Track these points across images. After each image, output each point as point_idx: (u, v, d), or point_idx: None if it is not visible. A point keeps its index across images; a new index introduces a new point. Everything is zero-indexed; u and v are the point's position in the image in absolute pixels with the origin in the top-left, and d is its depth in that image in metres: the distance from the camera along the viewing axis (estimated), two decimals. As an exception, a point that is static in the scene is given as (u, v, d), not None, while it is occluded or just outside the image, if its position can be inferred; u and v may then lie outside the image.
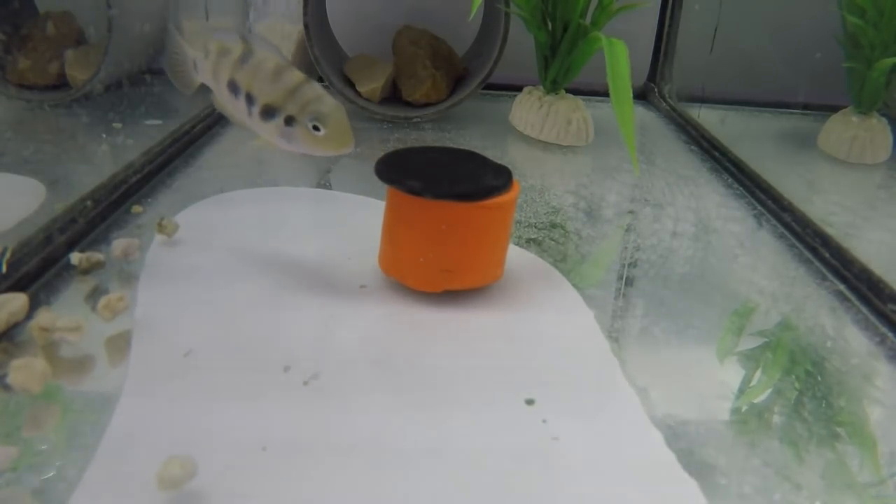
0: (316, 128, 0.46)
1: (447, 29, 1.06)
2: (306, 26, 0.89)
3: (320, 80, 1.02)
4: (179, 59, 0.55)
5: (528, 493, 0.35)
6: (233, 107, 0.51)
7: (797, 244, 0.66)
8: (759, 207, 0.75)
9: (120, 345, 0.44)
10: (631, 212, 0.71)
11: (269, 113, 0.48)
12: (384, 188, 0.51)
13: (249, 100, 0.48)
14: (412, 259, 0.49)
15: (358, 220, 0.63)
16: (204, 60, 0.52)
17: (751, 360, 0.48)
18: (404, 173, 0.49)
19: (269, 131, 0.49)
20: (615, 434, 0.39)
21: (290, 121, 0.47)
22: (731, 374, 0.46)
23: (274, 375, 0.42)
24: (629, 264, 0.60)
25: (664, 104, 1.13)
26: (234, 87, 0.49)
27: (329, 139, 0.47)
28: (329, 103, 0.47)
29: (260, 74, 0.48)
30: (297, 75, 0.48)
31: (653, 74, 1.18)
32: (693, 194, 0.77)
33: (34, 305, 0.46)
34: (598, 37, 0.81)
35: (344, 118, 0.47)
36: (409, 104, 0.97)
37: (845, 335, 0.52)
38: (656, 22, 1.17)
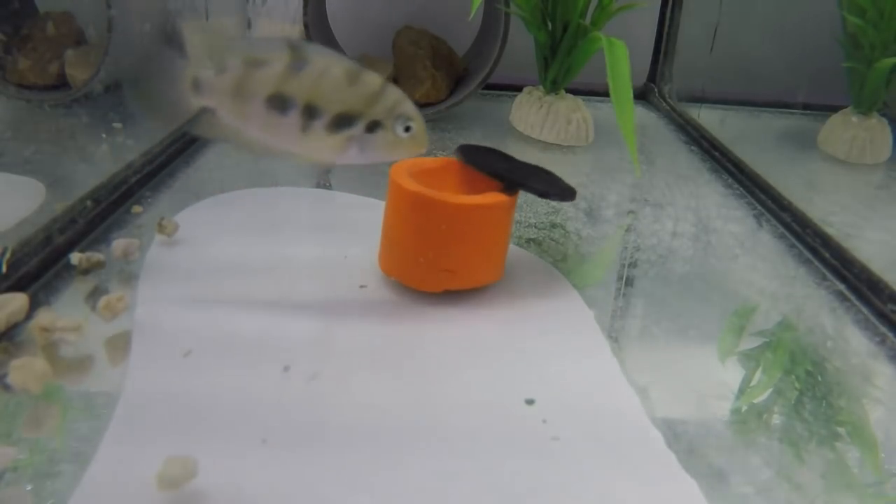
0: (407, 129, 0.45)
1: (447, 29, 1.06)
2: (306, 26, 0.89)
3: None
4: (169, 77, 0.45)
5: (528, 493, 0.35)
6: (268, 128, 0.45)
7: (797, 244, 0.66)
8: (759, 207, 0.75)
9: (120, 345, 0.44)
10: (631, 212, 0.71)
11: (342, 123, 0.44)
12: (384, 188, 0.51)
13: (310, 112, 0.44)
14: (412, 259, 0.49)
15: (358, 220, 0.63)
16: (216, 77, 0.44)
17: (751, 360, 0.48)
18: (486, 162, 0.51)
19: (334, 144, 0.45)
20: (615, 434, 0.39)
21: (373, 127, 0.45)
22: (731, 374, 0.46)
23: (274, 375, 0.42)
24: (629, 264, 0.60)
25: (664, 104, 1.13)
26: (280, 102, 0.44)
27: (414, 140, 0.46)
28: (411, 103, 0.46)
29: (328, 82, 0.44)
30: (374, 78, 0.45)
31: (653, 74, 1.18)
32: (693, 194, 0.77)
33: (34, 305, 0.46)
34: (598, 37, 0.81)
35: (422, 118, 0.47)
36: (409, 104, 0.97)
37: (845, 335, 0.52)
38: (656, 22, 1.17)
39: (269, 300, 0.50)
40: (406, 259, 0.50)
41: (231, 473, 0.34)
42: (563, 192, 0.53)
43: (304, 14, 0.88)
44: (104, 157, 0.75)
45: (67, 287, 0.50)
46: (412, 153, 0.47)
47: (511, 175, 0.51)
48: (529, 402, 0.41)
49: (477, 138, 0.90)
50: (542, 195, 0.52)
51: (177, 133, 0.78)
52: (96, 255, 0.52)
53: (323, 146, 0.45)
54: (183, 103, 0.45)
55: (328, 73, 0.44)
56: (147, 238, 0.57)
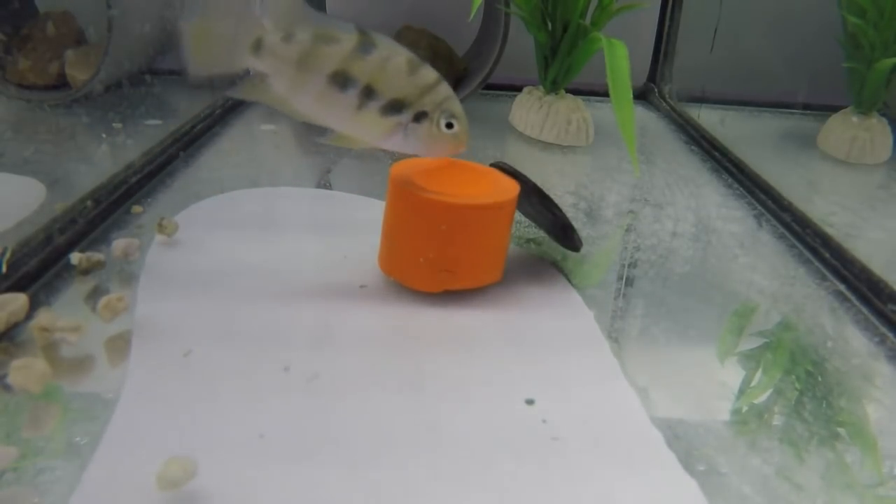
0: (449, 125, 0.47)
1: (447, 29, 1.06)
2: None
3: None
4: (234, 27, 0.46)
5: (528, 493, 0.35)
6: (323, 101, 0.47)
7: (797, 244, 0.66)
8: (759, 207, 0.75)
9: (120, 345, 0.44)
10: (631, 212, 0.71)
11: (394, 108, 0.47)
12: (384, 188, 0.51)
13: (368, 93, 0.46)
14: (412, 259, 0.49)
15: (358, 220, 0.63)
16: (282, 43, 0.46)
17: (751, 360, 0.48)
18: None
19: (383, 127, 0.47)
20: (615, 434, 0.39)
21: (419, 117, 0.47)
22: (731, 374, 0.46)
23: (274, 375, 0.42)
24: (629, 264, 0.60)
25: (664, 104, 1.13)
26: (342, 79, 0.46)
27: (455, 137, 0.48)
28: (460, 104, 0.48)
29: (390, 68, 0.46)
30: (432, 73, 0.47)
31: (653, 74, 1.18)
32: (693, 194, 0.78)
33: (34, 305, 0.46)
34: (597, 37, 0.81)
35: (466, 120, 0.49)
36: (409, 104, 0.97)
37: (845, 335, 0.52)
38: (656, 22, 1.17)
39: (270, 300, 0.50)
40: (406, 259, 0.50)
41: (231, 474, 0.34)
42: (575, 242, 0.57)
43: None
44: (104, 157, 0.75)
45: (67, 287, 0.50)
46: (451, 150, 0.49)
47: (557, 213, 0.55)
48: (529, 402, 0.41)
49: (477, 138, 0.90)
50: (565, 240, 0.57)
51: (177, 133, 0.78)
52: (96, 255, 0.52)
53: (372, 127, 0.47)
54: (235, 60, 0.47)
55: (392, 60, 0.46)
56: (147, 238, 0.56)
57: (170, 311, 0.47)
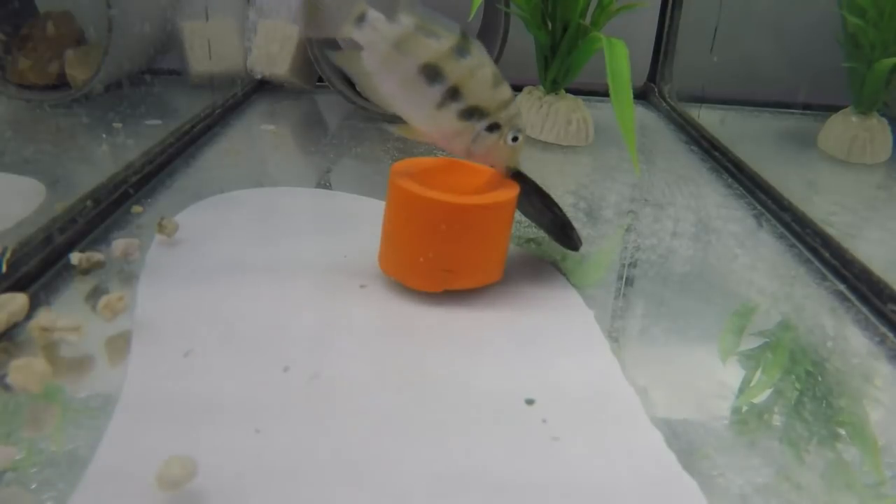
0: (514, 139, 0.50)
1: (447, 29, 1.05)
2: (306, 26, 0.89)
3: (320, 80, 1.02)
4: (338, 2, 0.49)
5: (528, 493, 0.35)
6: (407, 89, 0.49)
7: (797, 244, 0.66)
8: (759, 207, 0.75)
9: (120, 345, 0.44)
10: (631, 212, 0.71)
11: (471, 114, 0.49)
12: (384, 188, 0.51)
13: (452, 94, 0.48)
14: (412, 259, 0.49)
15: (358, 220, 0.63)
16: (386, 23, 0.48)
17: (751, 360, 0.48)
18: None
19: (456, 128, 0.49)
20: (615, 434, 0.39)
21: (492, 128, 0.49)
22: (731, 374, 0.46)
23: (274, 375, 0.42)
24: (629, 264, 0.60)
25: (664, 104, 1.13)
26: (432, 73, 0.48)
27: (513, 151, 0.51)
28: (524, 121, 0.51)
29: (479, 77, 0.48)
30: (509, 89, 0.50)
31: (653, 74, 1.18)
32: (693, 194, 0.78)
33: (34, 305, 0.46)
34: (597, 37, 0.81)
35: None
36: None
37: (845, 335, 0.52)
38: (656, 22, 1.17)
39: (269, 300, 0.50)
40: (406, 259, 0.50)
41: (231, 473, 0.34)
42: (574, 242, 0.57)
43: (304, 21, 0.88)
44: (104, 157, 0.75)
45: (67, 287, 0.50)
46: (508, 161, 0.51)
47: (558, 212, 0.55)
48: (529, 402, 0.41)
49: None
50: (564, 239, 0.57)
51: (177, 133, 0.78)
52: (96, 255, 0.52)
53: (445, 125, 0.50)
54: (339, 28, 0.49)
55: (482, 69, 0.49)
56: (147, 238, 0.57)
57: (170, 310, 0.47)
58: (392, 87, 0.49)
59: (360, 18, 0.49)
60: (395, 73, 0.49)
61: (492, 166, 0.52)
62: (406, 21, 0.48)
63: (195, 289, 0.50)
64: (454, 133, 0.50)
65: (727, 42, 1.08)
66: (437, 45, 0.48)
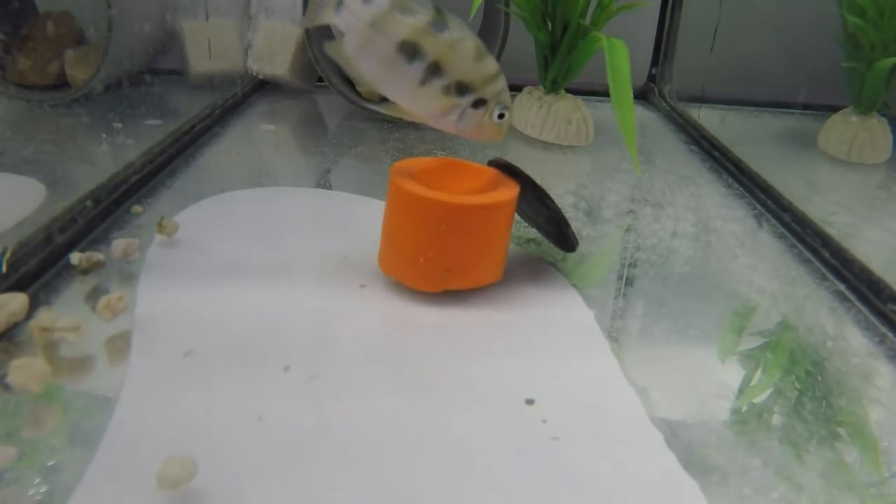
0: (501, 116, 0.50)
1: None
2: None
3: (320, 80, 1.02)
4: None
5: (528, 493, 0.35)
6: (388, 69, 0.49)
7: (797, 244, 0.66)
8: (759, 207, 0.75)
9: (120, 345, 0.44)
10: (631, 212, 0.71)
11: (456, 89, 0.48)
12: (384, 188, 0.51)
13: (434, 70, 0.48)
14: (412, 259, 0.49)
15: (358, 220, 0.63)
16: (360, 5, 0.48)
17: (751, 360, 0.48)
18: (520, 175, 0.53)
19: (441, 104, 0.49)
20: (615, 434, 0.39)
21: (478, 104, 0.49)
22: (731, 374, 0.46)
23: (274, 375, 0.42)
24: (629, 264, 0.60)
25: (664, 104, 1.13)
26: (411, 51, 0.48)
27: (499, 128, 0.51)
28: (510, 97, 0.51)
29: (460, 51, 0.48)
30: (494, 63, 0.49)
31: (653, 74, 1.18)
32: (693, 194, 0.77)
33: (34, 305, 0.46)
34: (598, 37, 0.81)
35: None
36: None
37: (845, 335, 0.52)
38: (656, 22, 1.17)
39: (269, 300, 0.50)
40: (406, 259, 0.50)
41: (231, 473, 0.34)
42: (571, 239, 0.56)
43: (304, 14, 0.88)
44: (104, 157, 0.75)
45: (67, 287, 0.50)
46: (494, 138, 0.51)
47: (554, 208, 0.55)
48: (529, 402, 0.41)
49: (477, 138, 0.90)
50: (560, 237, 0.57)
51: (177, 133, 0.78)
52: (96, 255, 0.52)
53: (430, 102, 0.49)
54: (322, 15, 0.50)
55: (462, 43, 0.48)
56: (147, 238, 0.57)
57: (170, 310, 0.47)
58: (374, 69, 0.49)
59: (339, 3, 0.49)
60: (374, 54, 0.48)
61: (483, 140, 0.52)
62: (381, 1, 0.48)
63: (195, 289, 0.50)
64: (440, 110, 0.49)
65: (727, 42, 1.08)
66: (413, 21, 0.47)
